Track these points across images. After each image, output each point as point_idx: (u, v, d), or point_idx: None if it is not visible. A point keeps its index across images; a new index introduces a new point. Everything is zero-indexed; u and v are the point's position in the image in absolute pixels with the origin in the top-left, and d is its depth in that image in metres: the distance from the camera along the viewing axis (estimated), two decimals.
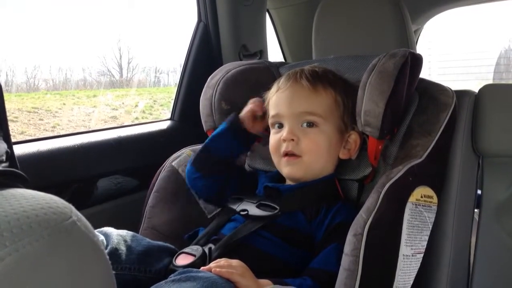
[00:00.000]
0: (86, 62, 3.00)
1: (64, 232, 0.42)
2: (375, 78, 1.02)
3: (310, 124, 1.06)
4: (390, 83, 0.99)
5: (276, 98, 1.11)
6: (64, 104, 2.88)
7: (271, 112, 1.12)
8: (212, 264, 0.88)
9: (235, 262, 0.89)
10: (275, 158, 1.11)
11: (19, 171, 0.55)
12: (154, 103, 3.22)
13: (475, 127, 1.19)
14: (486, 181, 1.24)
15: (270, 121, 1.13)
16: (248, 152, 1.29)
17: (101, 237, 0.96)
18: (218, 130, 1.20)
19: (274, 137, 1.11)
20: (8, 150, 0.58)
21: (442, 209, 1.07)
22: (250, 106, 1.19)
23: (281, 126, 1.10)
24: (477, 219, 1.26)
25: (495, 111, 1.20)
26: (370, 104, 1.00)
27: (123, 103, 3.10)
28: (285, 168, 1.08)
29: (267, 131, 1.27)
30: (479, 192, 1.25)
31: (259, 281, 0.88)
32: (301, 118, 1.06)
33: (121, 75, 3.16)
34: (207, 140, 1.21)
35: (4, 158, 0.55)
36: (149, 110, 3.15)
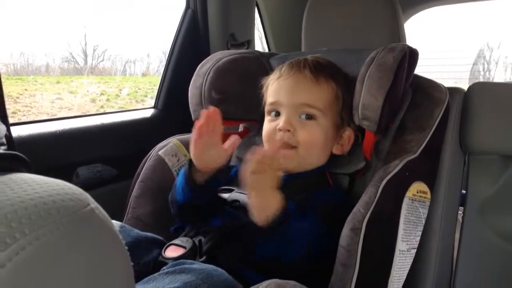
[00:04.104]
0: (49, 47, 2.89)
1: (83, 220, 0.39)
2: (374, 71, 1.00)
3: (309, 117, 1.04)
4: (389, 77, 0.98)
5: (277, 85, 1.08)
6: (25, 89, 2.77)
7: (269, 99, 1.09)
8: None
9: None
10: (267, 147, 1.08)
11: (22, 155, 0.51)
12: (120, 92, 3.15)
13: (464, 124, 1.19)
14: (472, 178, 1.25)
15: (266, 108, 1.10)
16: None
17: None
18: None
19: (269, 125, 1.08)
20: (7, 132, 0.54)
21: (431, 206, 1.07)
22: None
23: (277, 114, 1.07)
24: (460, 216, 1.27)
25: (483, 109, 1.20)
26: (368, 98, 0.99)
27: (87, 91, 3.01)
28: None
29: (256, 121, 1.25)
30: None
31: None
32: (300, 109, 1.04)
33: (86, 62, 3.08)
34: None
35: (4, 140, 0.51)
36: (115, 99, 3.09)
